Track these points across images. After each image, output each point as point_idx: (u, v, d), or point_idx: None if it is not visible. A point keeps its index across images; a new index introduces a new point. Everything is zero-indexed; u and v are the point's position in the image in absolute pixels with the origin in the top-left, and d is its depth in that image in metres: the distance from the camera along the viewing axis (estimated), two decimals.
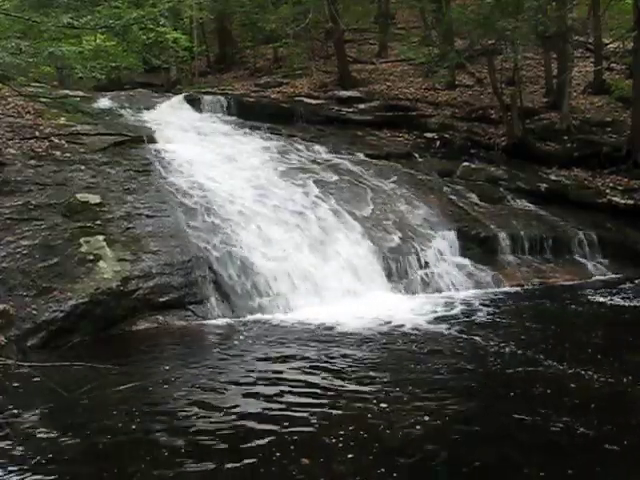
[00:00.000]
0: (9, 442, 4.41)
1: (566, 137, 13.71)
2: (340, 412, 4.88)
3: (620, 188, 12.42)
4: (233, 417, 4.82)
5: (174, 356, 6.59)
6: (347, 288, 8.90)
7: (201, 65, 21.52)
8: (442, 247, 10.23)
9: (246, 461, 4.09)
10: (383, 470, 3.94)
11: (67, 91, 14.34)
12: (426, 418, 4.72)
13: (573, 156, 13.47)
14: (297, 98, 15.99)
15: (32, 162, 9.33)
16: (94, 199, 8.81)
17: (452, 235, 10.48)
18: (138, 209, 8.93)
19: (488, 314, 8.07)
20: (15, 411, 4.99)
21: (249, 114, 14.16)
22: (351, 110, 15.08)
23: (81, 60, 11.58)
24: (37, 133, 10.29)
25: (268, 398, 5.21)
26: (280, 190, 10.46)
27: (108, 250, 8.01)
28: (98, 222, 8.39)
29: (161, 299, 7.83)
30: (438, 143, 14.19)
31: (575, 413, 4.83)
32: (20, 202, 8.36)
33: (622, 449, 4.22)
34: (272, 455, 4.14)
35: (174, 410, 5.00)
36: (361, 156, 13.02)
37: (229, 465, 4.05)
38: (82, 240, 8.01)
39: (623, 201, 12.11)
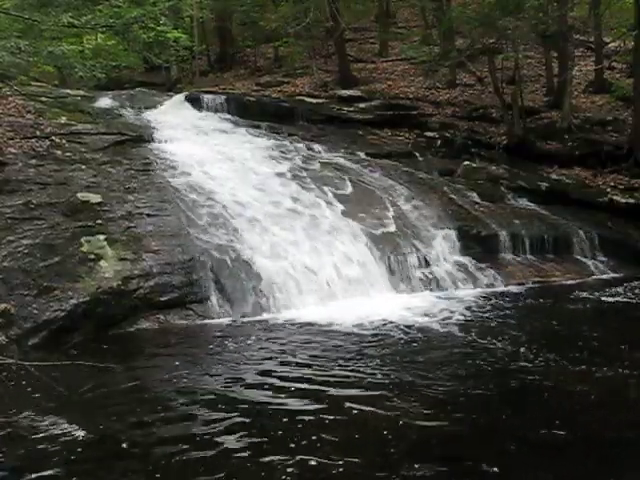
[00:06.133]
0: (10, 442, 4.41)
1: (567, 136, 13.69)
2: (340, 410, 4.87)
3: (621, 187, 12.41)
4: (236, 416, 4.81)
5: (175, 355, 6.59)
6: (348, 287, 8.90)
7: (202, 64, 21.53)
8: (443, 246, 10.23)
9: (248, 459, 4.09)
10: (385, 468, 3.94)
11: (68, 90, 14.36)
12: (426, 417, 4.73)
13: (574, 155, 13.45)
14: (298, 97, 15.99)
15: (33, 161, 9.33)
16: (95, 198, 8.81)
17: (453, 234, 10.47)
18: (139, 208, 8.93)
19: (489, 313, 8.07)
20: (16, 410, 5.00)
21: (250, 113, 14.19)
22: (352, 109, 15.07)
23: (81, 59, 11.58)
24: (38, 132, 10.29)
25: (269, 395, 5.21)
26: (280, 189, 10.46)
27: (109, 249, 8.02)
28: (99, 221, 8.39)
29: (162, 298, 7.84)
30: (439, 142, 14.18)
31: (576, 411, 4.84)
32: (21, 201, 8.36)
33: (624, 446, 4.22)
34: (277, 453, 4.14)
35: (175, 409, 5.00)
36: (362, 155, 13.02)
37: (232, 464, 4.05)
38: (83, 239, 8.01)
39: (624, 200, 12.10)
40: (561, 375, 5.60)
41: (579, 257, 11.01)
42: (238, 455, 4.18)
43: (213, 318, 7.89)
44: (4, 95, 11.47)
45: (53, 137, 10.22)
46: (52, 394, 5.19)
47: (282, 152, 12.05)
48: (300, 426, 4.59)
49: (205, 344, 7.10)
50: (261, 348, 6.69)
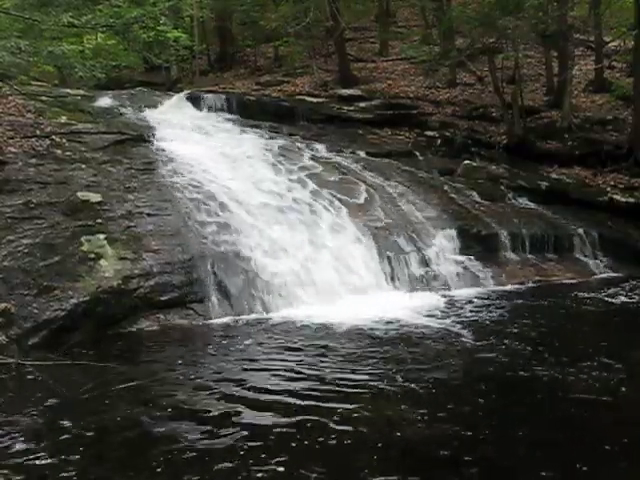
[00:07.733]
0: (9, 441, 4.41)
1: (567, 135, 13.70)
2: (340, 410, 4.87)
3: (621, 186, 12.41)
4: (235, 416, 4.82)
5: (175, 355, 6.60)
6: (348, 286, 8.90)
7: (202, 64, 21.54)
8: (443, 245, 10.22)
9: (245, 459, 4.09)
10: (387, 467, 3.94)
11: (68, 90, 14.36)
12: (427, 419, 4.72)
13: (574, 154, 13.46)
14: (298, 97, 16.01)
15: (33, 161, 9.32)
16: (95, 198, 8.81)
17: (453, 233, 10.47)
18: (139, 208, 8.92)
19: (489, 312, 8.06)
20: (16, 410, 5.00)
21: (250, 113, 14.21)
22: (352, 108, 15.08)
23: (81, 59, 11.59)
24: (38, 132, 10.27)
25: (269, 396, 5.21)
26: (281, 188, 10.46)
27: (109, 249, 8.01)
28: (99, 221, 8.38)
29: (162, 298, 7.83)
30: (439, 141, 14.20)
31: (582, 411, 4.84)
32: (21, 201, 8.35)
33: (630, 446, 4.22)
34: (275, 453, 4.14)
35: (174, 408, 5.00)
36: (362, 154, 13.03)
37: (230, 463, 4.05)
38: (83, 239, 8.00)
39: (624, 199, 12.10)
40: (565, 375, 5.59)
41: (579, 256, 11.01)
42: (236, 455, 4.17)
43: (213, 318, 7.89)
44: (4, 94, 11.47)
45: (53, 136, 10.21)
46: (52, 394, 5.19)
47: (282, 151, 12.06)
48: (301, 426, 4.59)
49: (205, 344, 7.09)
50: (261, 347, 6.69)
